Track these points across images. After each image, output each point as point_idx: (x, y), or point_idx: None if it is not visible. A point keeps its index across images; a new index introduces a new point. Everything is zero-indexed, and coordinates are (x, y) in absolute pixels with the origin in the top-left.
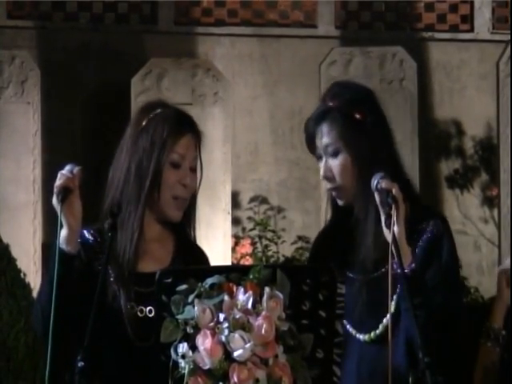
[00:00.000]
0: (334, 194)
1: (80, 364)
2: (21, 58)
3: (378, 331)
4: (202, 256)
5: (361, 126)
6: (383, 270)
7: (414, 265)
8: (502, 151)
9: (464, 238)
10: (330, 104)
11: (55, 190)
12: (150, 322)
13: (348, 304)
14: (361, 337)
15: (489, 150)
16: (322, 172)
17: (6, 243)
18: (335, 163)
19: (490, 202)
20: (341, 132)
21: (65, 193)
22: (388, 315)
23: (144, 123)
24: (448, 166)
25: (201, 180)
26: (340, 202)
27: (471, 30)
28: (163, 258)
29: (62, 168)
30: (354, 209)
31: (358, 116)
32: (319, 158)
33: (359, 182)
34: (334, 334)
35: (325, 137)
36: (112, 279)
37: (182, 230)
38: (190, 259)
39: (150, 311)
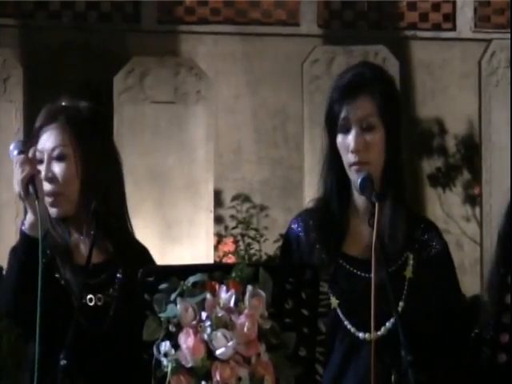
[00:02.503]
0: (356, 168)
1: (63, 362)
2: (3, 56)
3: (379, 333)
4: (141, 252)
5: (396, 105)
6: (393, 268)
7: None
8: (484, 150)
9: (446, 237)
10: (369, 76)
11: (21, 182)
12: (101, 310)
13: (348, 300)
14: (361, 335)
15: (471, 148)
16: (352, 144)
17: None
18: (370, 137)
19: (473, 200)
20: (380, 107)
21: (32, 183)
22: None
23: None
24: (430, 165)
25: (88, 168)
26: (357, 177)
27: (453, 28)
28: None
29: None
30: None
31: (395, 94)
32: (345, 130)
33: (385, 160)
34: (316, 333)
35: (362, 109)
36: (61, 272)
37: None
38: (128, 257)
39: (100, 299)
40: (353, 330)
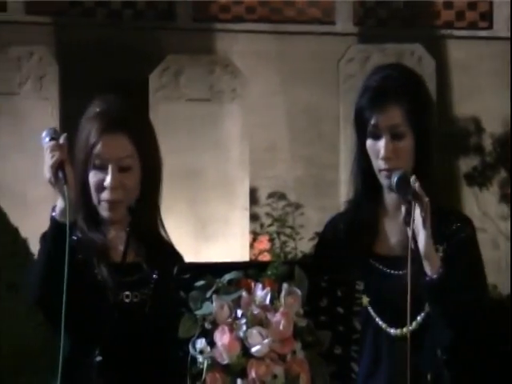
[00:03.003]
0: (385, 174)
1: (98, 358)
2: (39, 54)
3: (410, 327)
4: (171, 254)
5: (426, 110)
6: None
7: (441, 269)
8: None
9: (483, 236)
10: (397, 82)
11: (51, 168)
12: (137, 306)
13: (380, 297)
14: (392, 331)
15: (507, 147)
16: (383, 152)
17: (24, 238)
18: (400, 145)
19: (509, 199)
20: (409, 114)
21: (62, 168)
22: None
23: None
24: (467, 164)
25: (149, 176)
26: (387, 184)
27: (490, 27)
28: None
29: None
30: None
31: (424, 98)
32: (375, 136)
33: (415, 163)
34: (351, 331)
35: (391, 118)
36: (97, 269)
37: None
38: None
39: (136, 296)
40: (384, 326)
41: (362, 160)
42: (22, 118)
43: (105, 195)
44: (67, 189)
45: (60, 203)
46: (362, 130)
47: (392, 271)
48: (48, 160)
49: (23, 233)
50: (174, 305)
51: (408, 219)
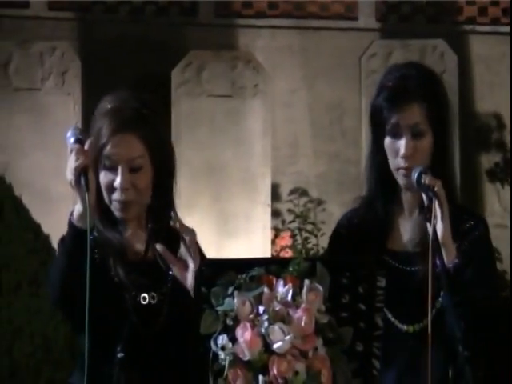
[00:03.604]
0: (403, 172)
1: (120, 355)
2: (61, 49)
3: (422, 324)
4: None
5: (444, 109)
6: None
7: (457, 260)
8: None
9: (504, 232)
10: (416, 81)
11: (75, 171)
12: (155, 308)
13: (392, 294)
14: (404, 328)
15: None
16: (404, 150)
17: (46, 234)
18: (420, 144)
19: None
20: (428, 113)
21: (85, 174)
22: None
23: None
24: (489, 160)
25: (161, 175)
26: (404, 181)
27: None
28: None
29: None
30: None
31: (443, 97)
32: (394, 135)
33: (432, 160)
34: (373, 327)
35: (412, 117)
36: (113, 270)
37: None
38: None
39: (153, 297)
40: (396, 322)
41: (379, 157)
42: (45, 114)
43: (116, 196)
44: (88, 196)
45: (78, 208)
46: (380, 129)
47: (403, 267)
48: (71, 162)
49: (46, 229)
50: (195, 300)
51: (429, 215)
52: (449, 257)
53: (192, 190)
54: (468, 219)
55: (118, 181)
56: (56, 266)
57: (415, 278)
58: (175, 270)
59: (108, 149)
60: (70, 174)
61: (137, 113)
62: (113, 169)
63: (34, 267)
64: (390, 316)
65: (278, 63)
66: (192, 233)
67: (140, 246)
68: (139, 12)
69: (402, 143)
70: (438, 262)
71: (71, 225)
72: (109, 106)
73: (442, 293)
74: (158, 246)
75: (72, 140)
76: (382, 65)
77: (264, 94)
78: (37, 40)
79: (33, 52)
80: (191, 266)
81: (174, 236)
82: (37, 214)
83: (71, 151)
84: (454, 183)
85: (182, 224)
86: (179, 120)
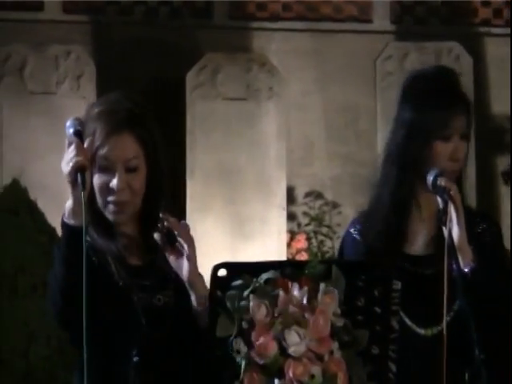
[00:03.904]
0: (449, 175)
1: (135, 359)
2: (76, 53)
3: (439, 327)
4: None
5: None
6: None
7: (473, 263)
8: None
9: None
10: (459, 86)
11: (72, 169)
12: (162, 310)
13: (408, 297)
14: (422, 331)
15: None
16: (452, 152)
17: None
18: (465, 147)
19: None
20: (470, 119)
21: (82, 173)
22: (445, 311)
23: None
24: (503, 162)
25: (155, 175)
26: (446, 183)
27: None
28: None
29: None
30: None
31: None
32: (445, 137)
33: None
34: (389, 330)
35: (464, 120)
36: (117, 274)
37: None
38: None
39: (159, 300)
40: (411, 325)
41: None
42: (60, 117)
43: (111, 197)
44: (84, 195)
45: (69, 204)
46: (428, 132)
47: (417, 269)
48: (69, 155)
49: (60, 232)
50: (209, 303)
51: (444, 218)
52: (465, 260)
53: (207, 194)
54: (480, 222)
55: (114, 181)
56: (54, 277)
57: (431, 282)
58: (171, 260)
59: (104, 150)
60: (65, 167)
61: (130, 113)
62: (108, 170)
63: (48, 270)
64: (406, 320)
65: (292, 66)
66: (185, 225)
67: (136, 250)
68: (153, 14)
69: (452, 146)
70: (454, 265)
71: (64, 224)
72: (101, 109)
73: (458, 296)
74: (170, 219)
75: (71, 131)
76: (397, 67)
77: (278, 96)
78: (52, 43)
79: (48, 55)
80: (186, 249)
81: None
82: (52, 218)
83: (70, 144)
84: (462, 187)
85: (172, 220)
86: (194, 123)
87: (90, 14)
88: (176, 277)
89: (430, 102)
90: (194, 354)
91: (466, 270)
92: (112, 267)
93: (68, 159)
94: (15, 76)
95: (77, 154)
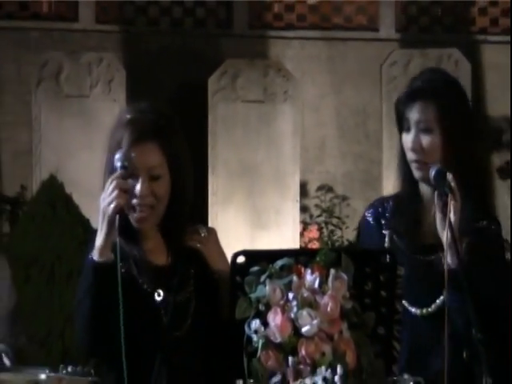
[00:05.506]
0: (415, 165)
1: (159, 357)
2: (108, 60)
3: (430, 309)
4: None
5: (454, 111)
6: (441, 253)
7: (460, 261)
8: None
9: None
10: (426, 84)
11: (113, 210)
12: (183, 306)
13: (407, 280)
14: (415, 311)
15: None
16: (410, 144)
17: (95, 228)
18: (426, 139)
19: None
20: (436, 112)
21: (120, 215)
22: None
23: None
24: (500, 159)
25: (179, 183)
26: (418, 175)
27: None
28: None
29: None
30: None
31: (452, 100)
32: (407, 129)
33: (443, 162)
34: (393, 312)
35: (418, 113)
36: (140, 277)
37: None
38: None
39: (182, 297)
40: (407, 305)
41: (402, 153)
42: (93, 118)
43: (136, 200)
44: (119, 239)
45: (100, 243)
46: (399, 125)
47: (421, 257)
48: (110, 196)
49: (94, 224)
50: (230, 288)
51: (444, 210)
52: (453, 256)
53: (228, 187)
54: (481, 218)
55: (138, 188)
56: (81, 314)
57: (429, 267)
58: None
59: (129, 157)
60: (106, 207)
61: (155, 124)
62: (133, 176)
63: (84, 259)
64: (403, 301)
65: (306, 71)
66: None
67: (159, 256)
68: (179, 24)
69: (408, 136)
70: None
71: (91, 261)
72: (128, 117)
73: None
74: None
75: (119, 164)
76: (401, 72)
77: (293, 99)
78: (85, 51)
79: (82, 62)
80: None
81: (192, 252)
82: (86, 210)
83: (115, 179)
84: (465, 181)
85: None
86: (216, 124)
87: (120, 25)
88: (195, 275)
89: (399, 98)
90: (215, 344)
91: (453, 267)
92: (134, 271)
93: (109, 199)
94: (52, 81)
95: (118, 196)
